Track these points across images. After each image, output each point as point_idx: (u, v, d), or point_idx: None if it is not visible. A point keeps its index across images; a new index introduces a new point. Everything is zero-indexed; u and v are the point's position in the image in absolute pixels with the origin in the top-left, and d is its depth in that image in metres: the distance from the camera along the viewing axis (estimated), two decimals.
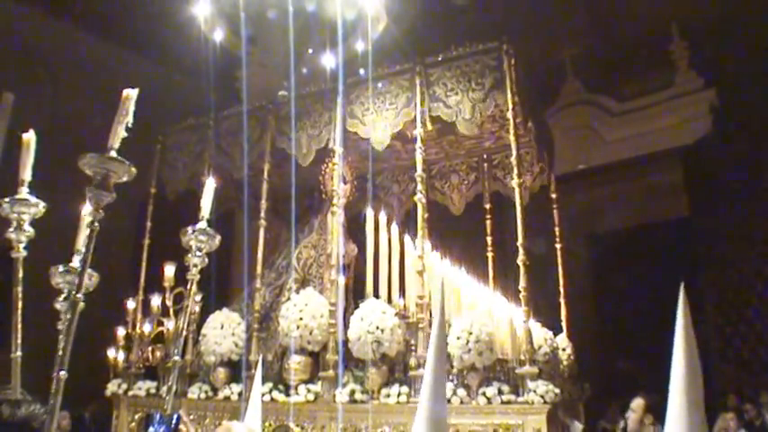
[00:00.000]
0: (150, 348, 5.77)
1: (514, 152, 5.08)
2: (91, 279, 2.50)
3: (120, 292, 6.13)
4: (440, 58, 5.49)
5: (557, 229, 6.50)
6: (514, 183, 5.04)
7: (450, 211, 7.21)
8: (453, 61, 5.43)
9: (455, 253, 6.01)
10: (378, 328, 5.04)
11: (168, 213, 6.30)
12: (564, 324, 6.28)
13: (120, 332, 5.95)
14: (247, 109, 6.16)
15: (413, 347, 5.10)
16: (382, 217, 5.68)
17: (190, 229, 2.60)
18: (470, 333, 4.78)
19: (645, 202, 11.29)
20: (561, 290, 6.35)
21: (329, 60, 7.09)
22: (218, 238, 2.62)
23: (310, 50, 7.84)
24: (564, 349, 5.95)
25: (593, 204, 11.87)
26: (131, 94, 2.03)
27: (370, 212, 5.63)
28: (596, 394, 7.05)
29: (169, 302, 5.73)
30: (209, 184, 2.69)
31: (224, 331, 5.61)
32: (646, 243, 10.96)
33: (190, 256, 2.61)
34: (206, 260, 2.63)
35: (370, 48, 6.57)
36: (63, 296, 2.54)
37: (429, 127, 5.47)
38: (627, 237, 11.30)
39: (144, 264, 6.10)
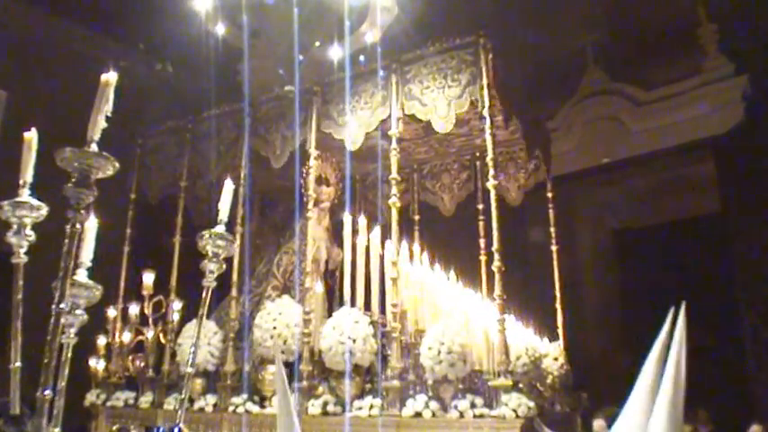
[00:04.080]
0: (130, 358, 5.70)
1: (490, 153, 4.80)
2: (94, 292, 2.33)
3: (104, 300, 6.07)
4: (417, 53, 5.23)
5: (552, 229, 6.13)
6: (489, 184, 4.76)
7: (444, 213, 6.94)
8: (430, 57, 5.17)
9: (450, 256, 5.77)
10: (349, 337, 4.87)
11: (149, 219, 6.22)
12: (560, 332, 5.91)
13: (101, 341, 5.88)
14: (226, 111, 6.03)
15: (389, 357, 4.91)
16: (365, 221, 5.48)
17: (206, 233, 2.39)
18: (442, 344, 4.56)
19: (674, 197, 10.71)
20: (557, 295, 6.00)
21: (325, 55, 6.92)
22: (235, 244, 2.42)
23: (317, 43, 7.67)
24: (556, 359, 5.61)
25: (619, 199, 11.36)
26: (111, 79, 1.85)
27: (347, 217, 5.43)
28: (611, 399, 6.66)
29: (147, 311, 5.64)
30: (228, 186, 2.48)
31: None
32: (674, 240, 10.40)
33: (206, 261, 2.40)
34: (223, 266, 2.42)
35: (380, 44, 6.36)
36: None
37: (401, 127, 5.22)
38: (654, 233, 10.75)
39: (124, 271, 6.02)
